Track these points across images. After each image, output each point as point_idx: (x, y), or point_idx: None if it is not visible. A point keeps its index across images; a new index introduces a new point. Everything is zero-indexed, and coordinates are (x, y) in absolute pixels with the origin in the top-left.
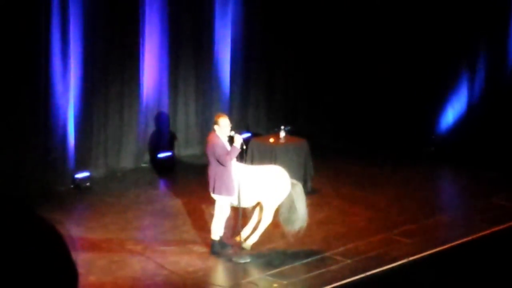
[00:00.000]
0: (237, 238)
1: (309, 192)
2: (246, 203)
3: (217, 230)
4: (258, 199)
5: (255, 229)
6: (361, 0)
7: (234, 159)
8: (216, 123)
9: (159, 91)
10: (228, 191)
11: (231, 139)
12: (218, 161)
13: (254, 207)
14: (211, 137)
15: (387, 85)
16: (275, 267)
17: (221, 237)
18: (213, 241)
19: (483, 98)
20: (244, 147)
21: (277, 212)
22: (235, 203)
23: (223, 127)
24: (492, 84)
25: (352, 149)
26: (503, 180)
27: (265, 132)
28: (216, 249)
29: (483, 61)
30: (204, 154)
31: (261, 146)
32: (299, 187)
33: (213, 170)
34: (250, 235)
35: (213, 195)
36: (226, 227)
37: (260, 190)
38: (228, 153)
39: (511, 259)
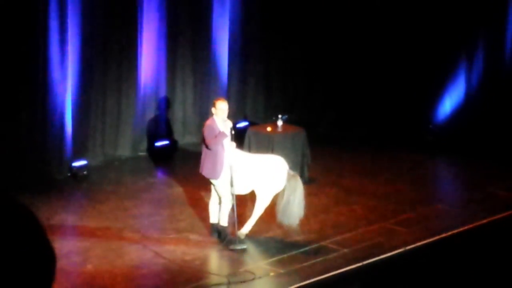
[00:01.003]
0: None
1: (306, 181)
2: (240, 191)
3: (211, 213)
4: (253, 187)
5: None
6: None
7: (234, 145)
8: (213, 105)
9: (157, 80)
10: (213, 174)
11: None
12: (204, 143)
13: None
14: (207, 120)
15: (385, 74)
16: (272, 256)
17: (216, 224)
18: (211, 224)
19: (480, 88)
20: (232, 132)
21: (275, 203)
22: (232, 191)
23: (219, 110)
24: (489, 73)
25: (350, 138)
26: (500, 169)
27: (262, 121)
28: (212, 232)
29: (481, 51)
30: (201, 142)
31: (259, 135)
32: (298, 179)
33: (204, 151)
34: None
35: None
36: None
37: (255, 178)
38: (215, 136)
39: (509, 248)
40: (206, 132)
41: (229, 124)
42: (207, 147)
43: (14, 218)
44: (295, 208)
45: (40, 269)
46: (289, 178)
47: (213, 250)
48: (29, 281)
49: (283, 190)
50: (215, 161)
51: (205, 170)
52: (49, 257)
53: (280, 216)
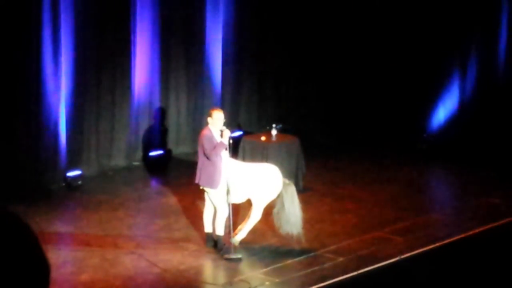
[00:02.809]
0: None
1: (301, 190)
2: (235, 199)
3: (205, 223)
4: (248, 196)
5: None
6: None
7: (227, 155)
8: (209, 115)
9: (151, 90)
10: (211, 184)
11: (221, 134)
12: (204, 153)
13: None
14: (203, 130)
15: (379, 84)
16: (268, 265)
17: (211, 233)
18: (205, 234)
19: (474, 97)
20: (231, 141)
21: (271, 211)
22: (229, 200)
23: (215, 119)
24: (483, 82)
25: (344, 147)
26: (494, 178)
27: (256, 130)
28: (207, 242)
29: (474, 59)
30: (195, 152)
31: (253, 144)
32: (292, 188)
33: (200, 161)
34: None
35: (202, 187)
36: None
37: (250, 187)
38: (214, 147)
39: (503, 257)
40: (205, 142)
41: (228, 133)
42: (206, 157)
43: (7, 228)
44: (297, 216)
45: (34, 279)
46: (285, 186)
47: (208, 260)
48: None
49: (280, 198)
50: (213, 171)
51: (202, 180)
52: (43, 267)
53: (283, 225)
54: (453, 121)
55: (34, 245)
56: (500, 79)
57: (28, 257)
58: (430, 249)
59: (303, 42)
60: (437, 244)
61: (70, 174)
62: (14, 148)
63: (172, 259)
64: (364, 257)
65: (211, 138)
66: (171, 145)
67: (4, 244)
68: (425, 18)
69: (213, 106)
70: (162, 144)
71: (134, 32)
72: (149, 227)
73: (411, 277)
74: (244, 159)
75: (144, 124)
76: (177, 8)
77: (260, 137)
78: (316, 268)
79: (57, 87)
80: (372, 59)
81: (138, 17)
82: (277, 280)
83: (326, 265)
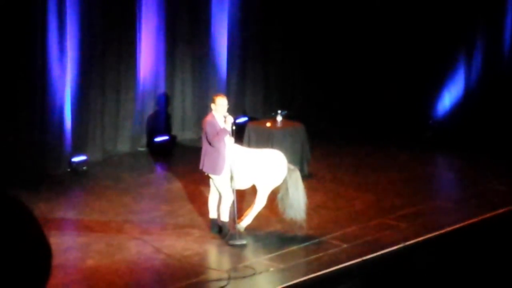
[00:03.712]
0: (237, 221)
1: (306, 176)
2: (240, 185)
3: (210, 209)
4: (253, 181)
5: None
6: None
7: (232, 141)
8: (213, 101)
9: (156, 76)
10: (214, 170)
11: (225, 120)
12: (207, 140)
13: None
14: (206, 116)
15: (384, 71)
16: (272, 251)
17: (216, 219)
18: (210, 220)
19: (480, 83)
20: (234, 127)
21: (274, 197)
22: (233, 186)
23: (218, 105)
24: (488, 69)
25: (349, 133)
26: (499, 165)
27: (261, 117)
28: (212, 228)
29: (480, 47)
30: (200, 138)
31: (258, 130)
32: (296, 173)
33: (204, 147)
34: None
35: (206, 173)
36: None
37: (254, 173)
38: (217, 133)
39: (508, 244)
40: (208, 128)
41: (230, 119)
42: (209, 143)
43: (11, 214)
44: (300, 201)
45: (35, 264)
46: (290, 171)
47: (213, 246)
48: (25, 277)
49: (285, 184)
50: (217, 157)
51: (206, 166)
52: (44, 253)
53: (287, 210)
54: (459, 108)
55: (35, 230)
56: (505, 66)
57: (28, 242)
58: (435, 236)
59: (309, 28)
60: (442, 231)
61: (75, 159)
62: (19, 133)
63: (177, 245)
64: (368, 243)
65: (214, 124)
66: (176, 131)
67: (4, 229)
68: (431, 6)
69: (218, 92)
70: (167, 130)
71: (140, 17)
72: (154, 213)
73: (415, 263)
74: (249, 145)
75: (149, 109)
76: None
77: (265, 123)
78: (321, 254)
79: (62, 73)
80: (378, 46)
81: (143, 2)
82: (281, 266)
83: (330, 252)
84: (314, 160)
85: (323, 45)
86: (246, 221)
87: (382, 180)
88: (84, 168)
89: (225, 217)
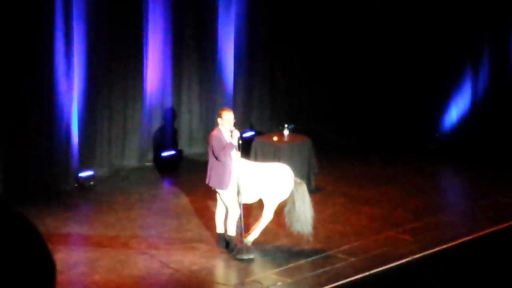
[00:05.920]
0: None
1: (313, 190)
2: (247, 200)
3: (217, 223)
4: (259, 196)
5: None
6: None
7: (239, 155)
8: (219, 115)
9: (163, 90)
10: (221, 184)
11: (231, 135)
12: (213, 154)
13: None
14: (213, 131)
15: (391, 84)
16: (280, 265)
17: (223, 234)
18: (217, 234)
19: (486, 96)
20: (240, 142)
21: (281, 211)
22: (240, 200)
23: (225, 120)
24: (495, 82)
25: (356, 147)
26: (506, 178)
27: (268, 131)
28: (219, 242)
29: (487, 59)
30: (207, 152)
31: (265, 144)
32: (303, 187)
33: (210, 162)
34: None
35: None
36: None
37: (261, 187)
38: (223, 147)
39: None
40: (214, 143)
41: (237, 134)
42: (215, 157)
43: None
44: (307, 215)
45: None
46: (296, 185)
47: (220, 260)
48: None
49: (292, 198)
50: (224, 172)
51: (212, 181)
52: (48, 268)
53: (294, 224)
54: (465, 121)
55: (39, 245)
56: None
57: (32, 257)
58: (442, 250)
59: (316, 42)
60: (449, 245)
61: (82, 174)
62: (26, 148)
63: (184, 260)
64: (376, 257)
65: (220, 138)
66: (183, 145)
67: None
68: (438, 18)
69: (225, 106)
70: (174, 145)
71: (146, 32)
72: (161, 228)
73: (422, 277)
74: (256, 159)
75: (156, 124)
76: (189, 8)
77: (272, 137)
78: (328, 268)
79: (70, 88)
80: (385, 59)
81: (150, 17)
82: (289, 280)
83: (338, 265)
84: (321, 174)
85: (331, 59)
86: (253, 235)
87: (389, 193)
88: (91, 183)
89: (232, 232)
